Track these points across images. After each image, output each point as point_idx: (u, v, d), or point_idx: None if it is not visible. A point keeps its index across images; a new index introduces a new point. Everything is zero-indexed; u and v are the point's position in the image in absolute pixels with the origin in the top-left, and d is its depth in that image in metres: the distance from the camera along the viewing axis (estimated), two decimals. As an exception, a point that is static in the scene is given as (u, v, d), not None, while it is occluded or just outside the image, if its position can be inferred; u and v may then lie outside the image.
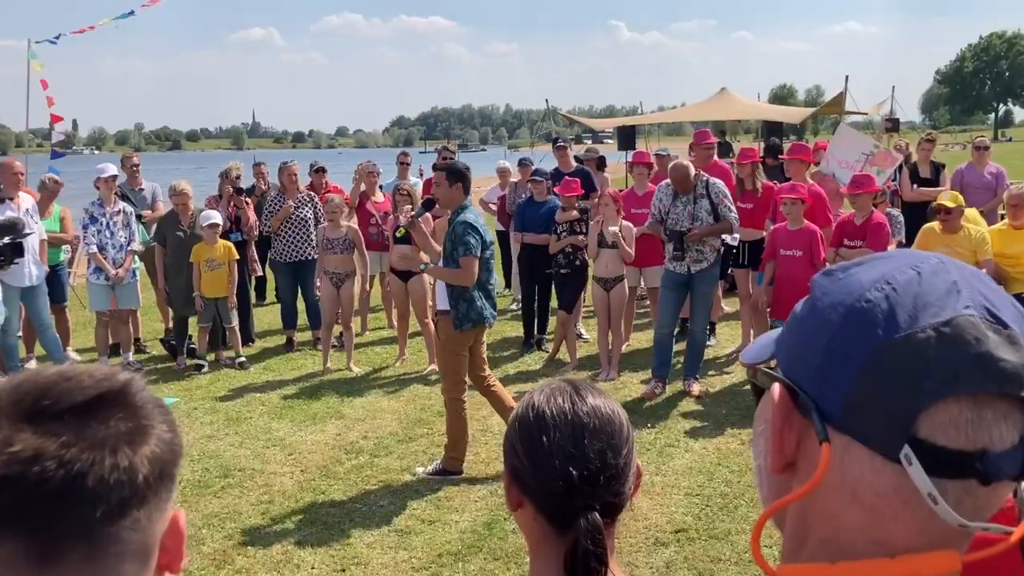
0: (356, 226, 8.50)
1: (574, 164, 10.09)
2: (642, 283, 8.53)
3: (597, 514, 1.22)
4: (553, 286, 8.39)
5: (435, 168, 5.95)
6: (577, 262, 7.92)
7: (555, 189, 8.40)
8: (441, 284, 5.58)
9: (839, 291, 0.72)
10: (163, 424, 0.80)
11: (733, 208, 7.10)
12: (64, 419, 0.74)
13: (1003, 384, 0.64)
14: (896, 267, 0.71)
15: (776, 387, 0.73)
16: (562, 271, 7.99)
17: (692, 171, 7.05)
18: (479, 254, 5.40)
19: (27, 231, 6.78)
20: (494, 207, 10.98)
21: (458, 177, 5.48)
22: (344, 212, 8.34)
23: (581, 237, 7.83)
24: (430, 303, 7.42)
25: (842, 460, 0.68)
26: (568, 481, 1.24)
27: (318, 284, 8.32)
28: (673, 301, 7.14)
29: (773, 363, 0.79)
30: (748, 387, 6.84)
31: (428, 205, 5.98)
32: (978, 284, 0.70)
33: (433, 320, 5.70)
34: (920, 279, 0.69)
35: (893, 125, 15.27)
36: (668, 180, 7.20)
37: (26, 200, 7.62)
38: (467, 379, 5.62)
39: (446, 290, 5.47)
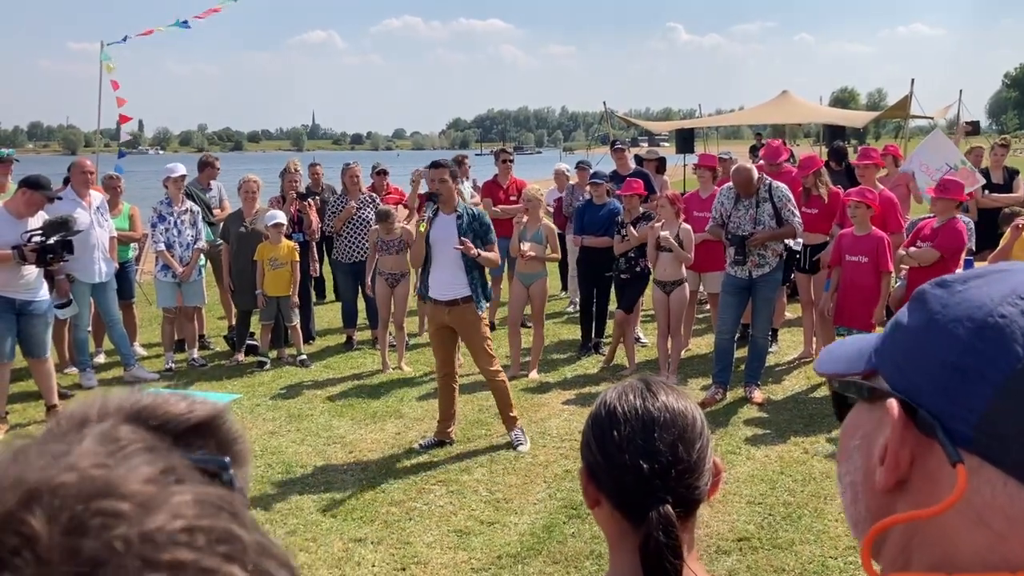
0: (410, 227, 8.58)
1: (632, 166, 10.02)
2: (702, 288, 8.44)
3: (669, 506, 1.22)
4: (613, 289, 8.33)
5: (436, 165, 6.16)
6: (638, 268, 7.84)
7: (617, 191, 8.35)
8: (454, 274, 5.97)
9: (963, 304, 0.68)
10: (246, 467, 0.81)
11: (797, 212, 6.99)
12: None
13: None
14: None
15: (893, 403, 0.69)
16: (622, 275, 7.94)
17: (755, 175, 6.96)
18: None
19: (78, 228, 6.90)
20: (550, 209, 10.97)
21: (457, 175, 6.30)
22: (397, 220, 8.39)
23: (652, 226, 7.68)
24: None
25: (970, 482, 0.65)
26: (638, 474, 1.25)
27: (368, 285, 8.42)
28: (734, 306, 7.06)
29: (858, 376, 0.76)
30: (812, 395, 6.74)
31: (435, 199, 6.12)
32: None
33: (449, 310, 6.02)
34: None
35: (973, 129, 14.75)
36: (730, 183, 7.12)
37: (96, 198, 7.82)
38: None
39: (465, 277, 5.95)
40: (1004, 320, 0.65)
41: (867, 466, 0.73)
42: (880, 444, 0.71)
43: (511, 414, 6.14)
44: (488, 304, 6.21)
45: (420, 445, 6.15)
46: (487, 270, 6.20)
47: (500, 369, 6.17)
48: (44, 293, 6.74)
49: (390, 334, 8.48)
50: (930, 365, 0.68)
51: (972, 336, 0.66)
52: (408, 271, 8.42)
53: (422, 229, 6.04)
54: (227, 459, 0.58)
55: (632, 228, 7.72)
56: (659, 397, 1.32)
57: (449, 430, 6.21)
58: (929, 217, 7.09)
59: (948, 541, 0.67)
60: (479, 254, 5.92)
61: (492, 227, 6.14)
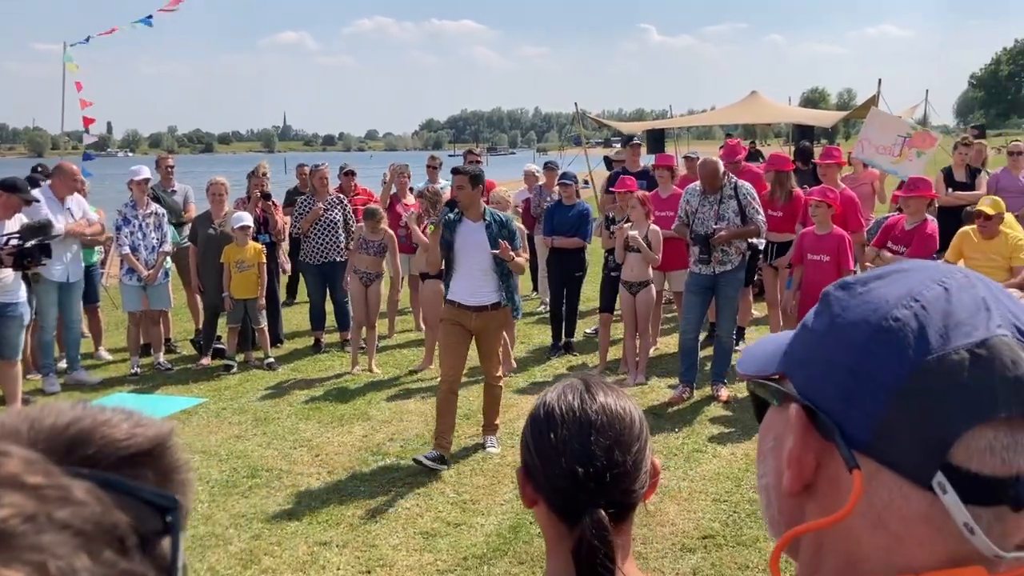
0: (391, 230, 8.57)
1: (641, 165, 10.03)
2: (666, 286, 8.48)
3: (602, 511, 1.21)
4: (597, 290, 8.34)
5: (456, 172, 6.07)
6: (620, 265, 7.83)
7: (611, 189, 8.40)
8: (483, 280, 5.91)
9: (861, 307, 0.68)
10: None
11: (761, 211, 7.04)
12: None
13: None
14: (921, 281, 0.68)
15: (793, 408, 0.69)
16: (612, 273, 7.95)
17: (721, 168, 7.00)
18: None
19: (56, 233, 6.89)
20: (518, 210, 10.97)
21: (480, 181, 5.97)
22: (384, 220, 8.38)
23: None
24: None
25: (868, 485, 0.65)
26: (574, 478, 1.24)
27: (347, 281, 8.38)
28: (698, 305, 7.09)
29: (776, 376, 0.76)
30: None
31: (453, 206, 6.05)
32: (1006, 301, 0.67)
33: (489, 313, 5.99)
34: (948, 295, 0.66)
35: (980, 132, 14.80)
36: (697, 182, 7.16)
37: (71, 199, 7.82)
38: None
39: (494, 283, 5.93)
40: (897, 323, 0.65)
41: (778, 468, 0.72)
42: (788, 448, 0.70)
43: (496, 422, 6.17)
44: (520, 317, 6.31)
45: (427, 458, 5.73)
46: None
47: (502, 376, 6.22)
48: (22, 295, 6.72)
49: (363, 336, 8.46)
50: (830, 369, 0.68)
51: (867, 340, 0.66)
52: (383, 272, 8.40)
53: (431, 231, 6.01)
54: (177, 497, 0.50)
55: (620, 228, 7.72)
56: (597, 398, 1.30)
57: (448, 444, 5.87)
58: (897, 214, 7.15)
59: (852, 544, 0.67)
60: (513, 258, 5.86)
61: (519, 233, 6.10)
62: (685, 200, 7.16)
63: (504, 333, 7.97)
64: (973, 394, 0.62)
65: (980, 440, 0.62)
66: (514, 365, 8.00)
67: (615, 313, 8.10)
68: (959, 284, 0.67)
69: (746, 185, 7.05)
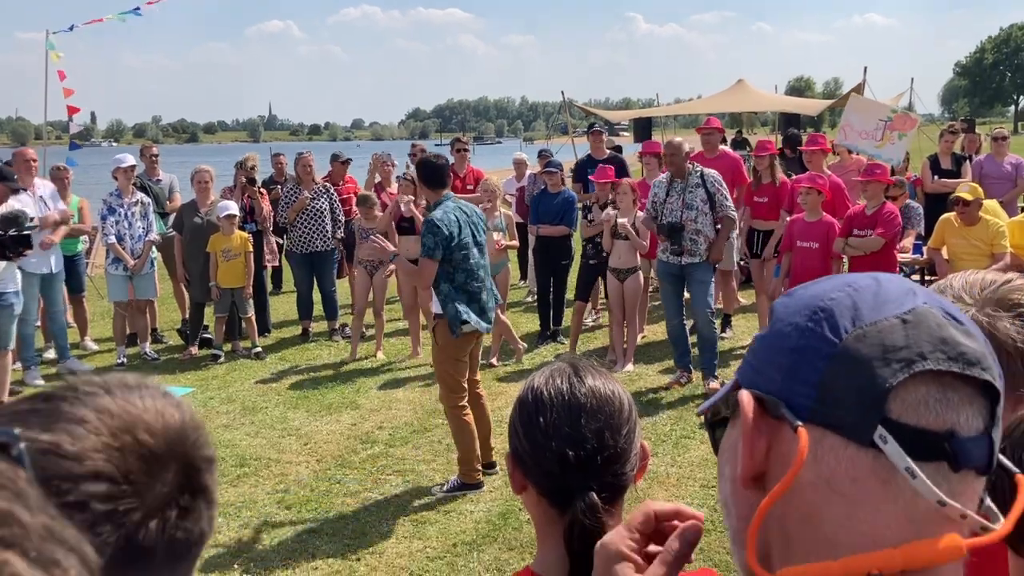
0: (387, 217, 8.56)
1: (607, 152, 9.96)
2: (653, 274, 8.49)
3: (594, 494, 1.21)
4: (578, 274, 8.33)
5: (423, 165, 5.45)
6: (604, 254, 7.83)
7: (590, 177, 8.35)
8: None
9: (801, 299, 0.74)
10: None
11: (729, 198, 6.97)
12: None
13: (966, 366, 0.66)
14: (855, 277, 0.74)
15: (744, 394, 0.73)
16: (591, 261, 7.93)
17: (686, 148, 6.94)
18: (436, 256, 5.00)
19: (32, 223, 6.81)
20: (510, 198, 10.95)
21: (422, 170, 5.26)
22: (376, 206, 8.35)
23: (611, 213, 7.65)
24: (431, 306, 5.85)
25: (815, 453, 0.68)
26: (564, 461, 1.23)
27: (355, 273, 8.44)
28: (673, 292, 7.03)
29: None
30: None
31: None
32: (933, 293, 0.73)
33: (432, 325, 5.36)
34: (879, 284, 0.72)
35: (969, 126, 14.95)
36: (665, 174, 7.11)
37: (42, 187, 7.71)
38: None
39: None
40: (833, 302, 0.71)
41: (734, 475, 0.74)
42: (740, 440, 0.73)
43: (464, 459, 5.26)
44: (459, 333, 5.08)
45: (443, 490, 5.24)
46: (454, 291, 5.11)
47: (457, 405, 5.20)
48: (14, 285, 6.68)
49: (368, 325, 8.45)
50: (774, 356, 0.73)
51: (806, 320, 0.71)
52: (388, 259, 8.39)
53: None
54: (16, 431, 0.53)
55: (601, 211, 7.71)
56: (586, 382, 1.29)
57: (475, 473, 5.25)
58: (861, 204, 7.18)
59: (813, 518, 0.69)
60: (393, 259, 5.33)
61: (424, 237, 5.01)
62: (652, 192, 7.11)
63: (505, 319, 7.99)
64: (902, 349, 0.67)
65: (914, 393, 0.66)
66: (522, 358, 7.97)
67: (600, 301, 8.11)
68: (889, 278, 0.74)
69: (712, 173, 6.98)
